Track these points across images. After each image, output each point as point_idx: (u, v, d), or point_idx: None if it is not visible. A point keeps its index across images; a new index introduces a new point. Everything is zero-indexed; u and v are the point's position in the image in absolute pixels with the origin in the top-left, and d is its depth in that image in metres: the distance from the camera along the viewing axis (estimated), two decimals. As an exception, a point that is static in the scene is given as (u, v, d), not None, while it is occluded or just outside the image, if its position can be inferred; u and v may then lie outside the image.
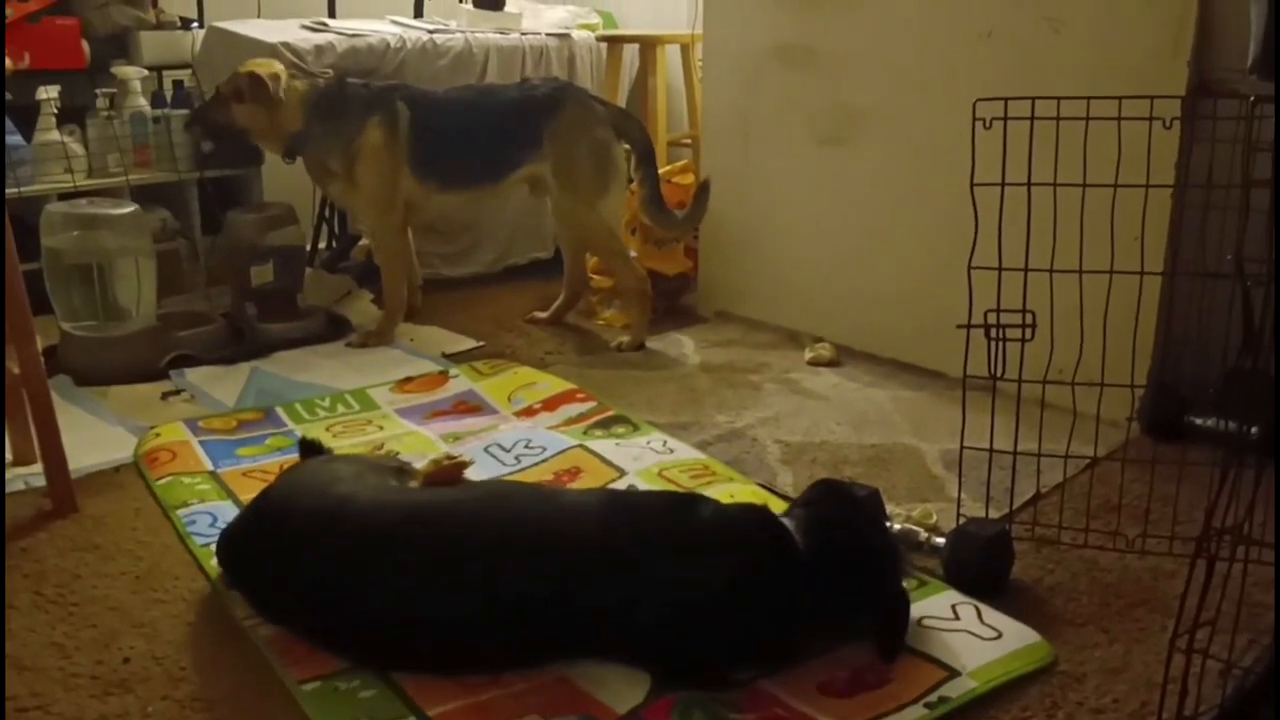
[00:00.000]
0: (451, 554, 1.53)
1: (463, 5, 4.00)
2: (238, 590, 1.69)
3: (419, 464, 2.09)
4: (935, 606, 1.68)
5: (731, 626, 1.49)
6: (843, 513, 1.64)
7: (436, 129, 2.99)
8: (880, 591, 1.57)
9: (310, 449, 2.05)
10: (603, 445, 2.29)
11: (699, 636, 1.49)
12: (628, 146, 3.03)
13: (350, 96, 2.97)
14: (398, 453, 2.21)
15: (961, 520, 1.87)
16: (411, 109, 2.97)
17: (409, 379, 2.76)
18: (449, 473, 2.14)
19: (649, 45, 3.71)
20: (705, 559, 1.51)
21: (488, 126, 3.00)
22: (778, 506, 2.01)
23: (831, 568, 1.53)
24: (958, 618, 1.65)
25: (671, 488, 2.10)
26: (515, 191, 3.15)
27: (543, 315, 3.31)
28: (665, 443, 2.33)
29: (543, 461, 2.23)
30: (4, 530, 1.93)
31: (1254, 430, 1.43)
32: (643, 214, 3.08)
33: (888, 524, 1.83)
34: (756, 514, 1.61)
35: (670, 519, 1.58)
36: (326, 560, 1.56)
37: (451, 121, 3.01)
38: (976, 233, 1.76)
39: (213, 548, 1.82)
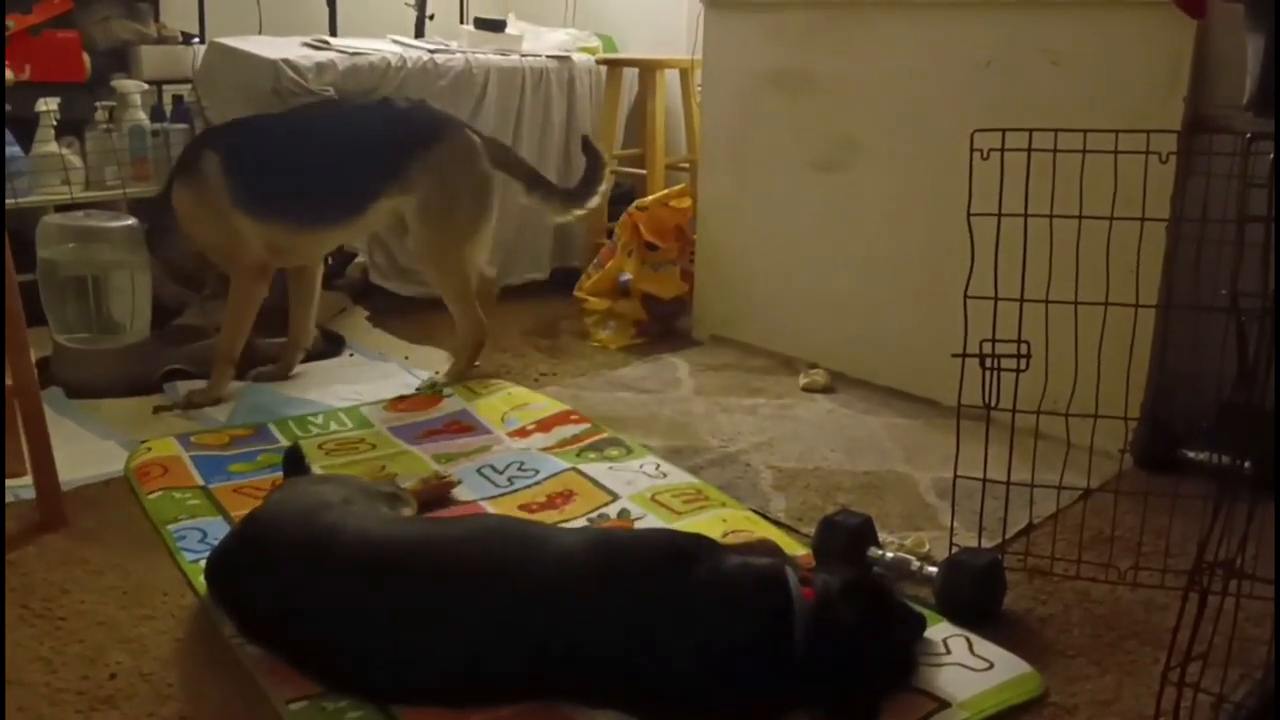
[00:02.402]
0: (434, 594, 1.51)
1: (464, 26, 4.03)
2: (223, 611, 1.68)
3: (408, 483, 2.09)
4: (926, 637, 1.68)
5: (704, 698, 1.45)
6: (862, 620, 1.48)
7: (260, 164, 2.68)
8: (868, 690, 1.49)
9: (295, 459, 2.03)
10: (596, 469, 2.28)
11: (671, 702, 1.45)
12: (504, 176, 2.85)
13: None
14: (395, 474, 2.20)
15: (954, 549, 1.87)
16: (223, 151, 2.67)
17: (402, 398, 2.75)
18: (437, 491, 2.14)
19: (648, 69, 3.73)
20: (689, 627, 1.45)
21: (335, 154, 2.70)
22: (770, 531, 2.03)
23: (825, 665, 1.45)
24: (948, 651, 1.64)
25: (664, 512, 2.09)
26: (381, 225, 2.86)
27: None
28: (658, 466, 2.32)
29: (535, 484, 2.22)
30: (4, 545, 1.91)
31: (1247, 464, 1.43)
32: (565, 214, 2.93)
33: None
34: (758, 584, 1.50)
35: (662, 575, 1.51)
36: (309, 592, 1.55)
37: (283, 152, 2.70)
38: (973, 262, 1.77)
39: (202, 564, 1.81)
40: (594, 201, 2.96)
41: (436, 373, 2.88)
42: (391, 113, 2.82)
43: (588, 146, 3.00)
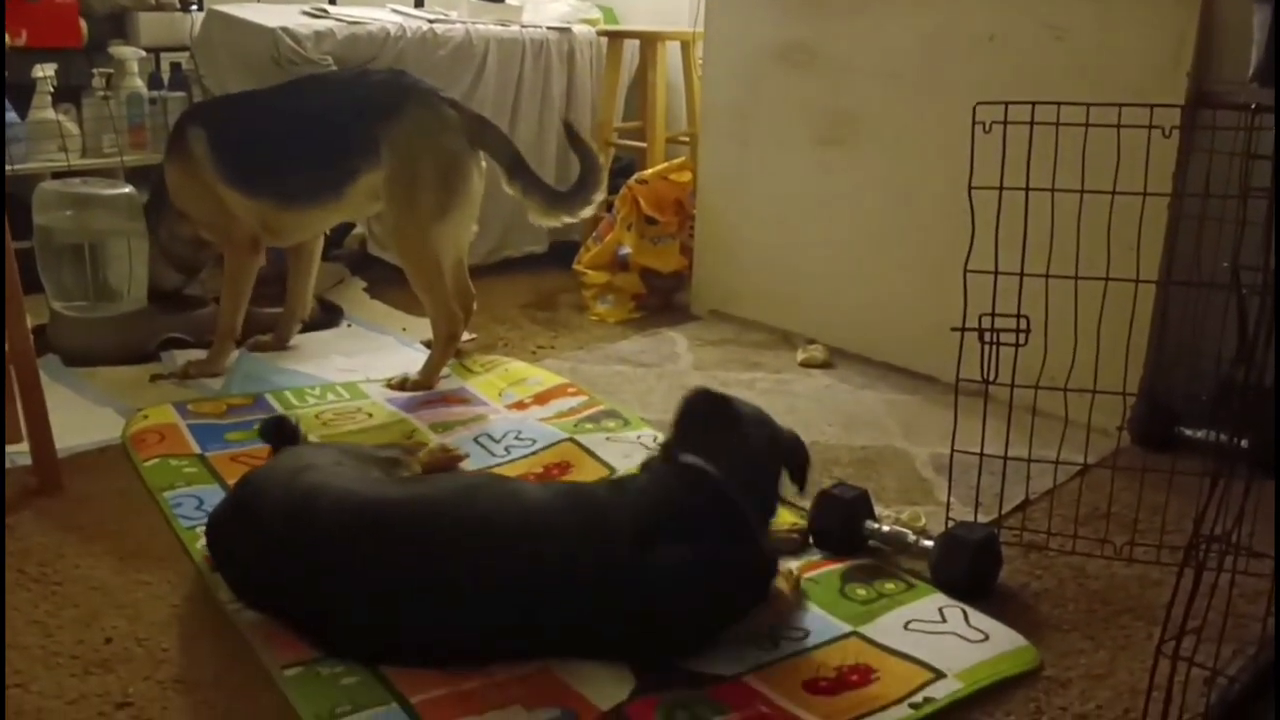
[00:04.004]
0: (417, 552, 1.52)
1: (464, -4, 4.00)
2: (221, 574, 1.69)
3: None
4: (922, 609, 1.68)
5: (699, 604, 1.53)
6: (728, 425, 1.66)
7: (245, 141, 2.64)
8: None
9: (275, 429, 1.99)
10: (593, 440, 2.28)
11: (668, 620, 1.52)
12: (488, 160, 2.64)
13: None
14: (424, 443, 2.23)
15: (950, 524, 1.87)
16: (208, 127, 2.64)
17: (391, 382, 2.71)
18: (444, 465, 2.14)
19: (649, 41, 3.70)
20: (675, 528, 1.54)
21: (312, 131, 2.60)
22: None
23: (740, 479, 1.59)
24: (944, 620, 1.65)
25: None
26: (369, 206, 2.72)
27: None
28: (656, 438, 2.32)
29: (533, 454, 2.22)
30: (4, 512, 1.92)
31: (1244, 442, 1.43)
32: (550, 218, 2.65)
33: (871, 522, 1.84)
34: (691, 483, 1.60)
35: (630, 501, 1.58)
36: (294, 553, 1.55)
37: (266, 129, 2.64)
38: (973, 236, 1.76)
39: (198, 530, 1.82)
40: (586, 210, 2.69)
41: (406, 375, 2.66)
42: (364, 84, 2.65)
43: (575, 139, 2.74)
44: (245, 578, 1.64)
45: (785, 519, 1.99)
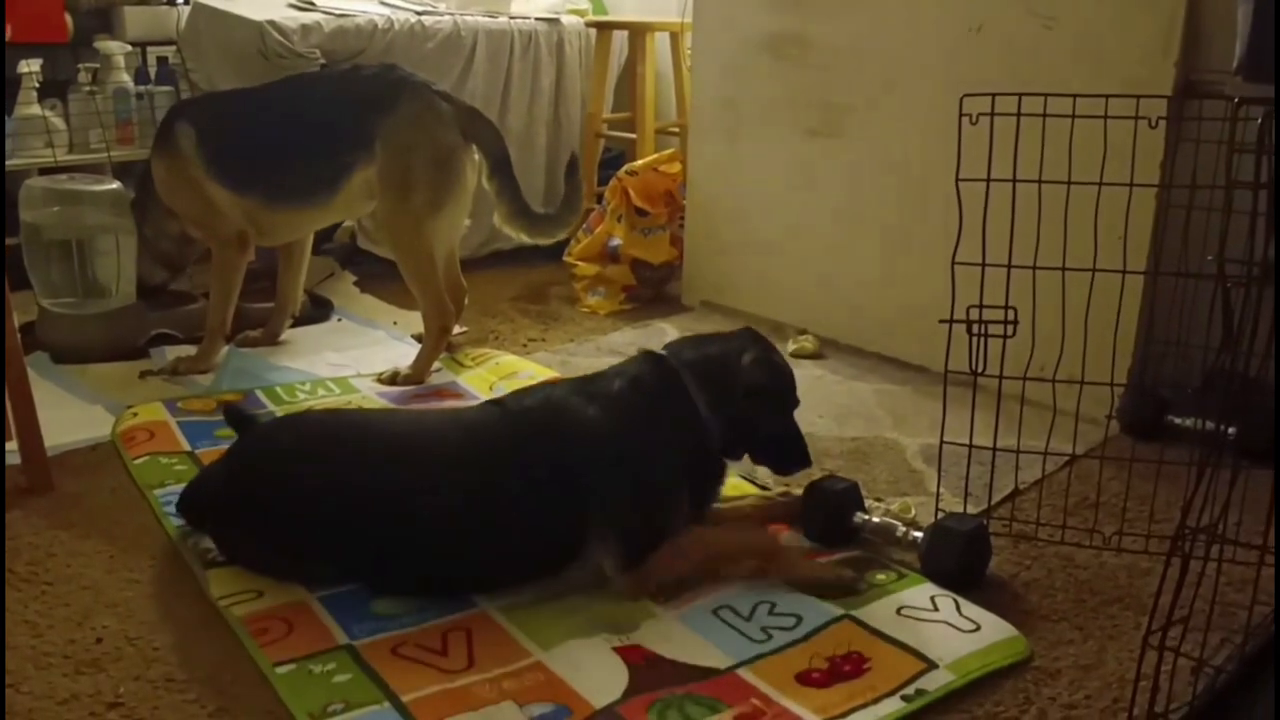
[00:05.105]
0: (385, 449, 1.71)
1: (452, -13, 3.98)
2: (198, 528, 1.79)
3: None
4: (914, 598, 1.69)
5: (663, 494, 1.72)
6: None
7: (234, 139, 2.64)
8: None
9: (236, 415, 1.97)
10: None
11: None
12: (479, 155, 2.65)
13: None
14: None
15: (940, 515, 1.88)
16: (197, 123, 2.63)
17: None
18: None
19: (639, 32, 3.69)
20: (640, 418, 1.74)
21: (304, 128, 2.59)
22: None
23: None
24: (936, 609, 1.66)
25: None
26: (364, 205, 2.70)
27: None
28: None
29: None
30: (4, 509, 1.92)
31: (1231, 430, 1.44)
32: (512, 229, 2.70)
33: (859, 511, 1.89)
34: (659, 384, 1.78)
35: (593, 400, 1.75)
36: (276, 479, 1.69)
37: (256, 128, 2.64)
38: (961, 228, 1.76)
39: (188, 528, 1.83)
40: (546, 239, 2.75)
41: (398, 369, 2.66)
42: (357, 79, 2.65)
43: (572, 173, 2.79)
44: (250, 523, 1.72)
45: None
